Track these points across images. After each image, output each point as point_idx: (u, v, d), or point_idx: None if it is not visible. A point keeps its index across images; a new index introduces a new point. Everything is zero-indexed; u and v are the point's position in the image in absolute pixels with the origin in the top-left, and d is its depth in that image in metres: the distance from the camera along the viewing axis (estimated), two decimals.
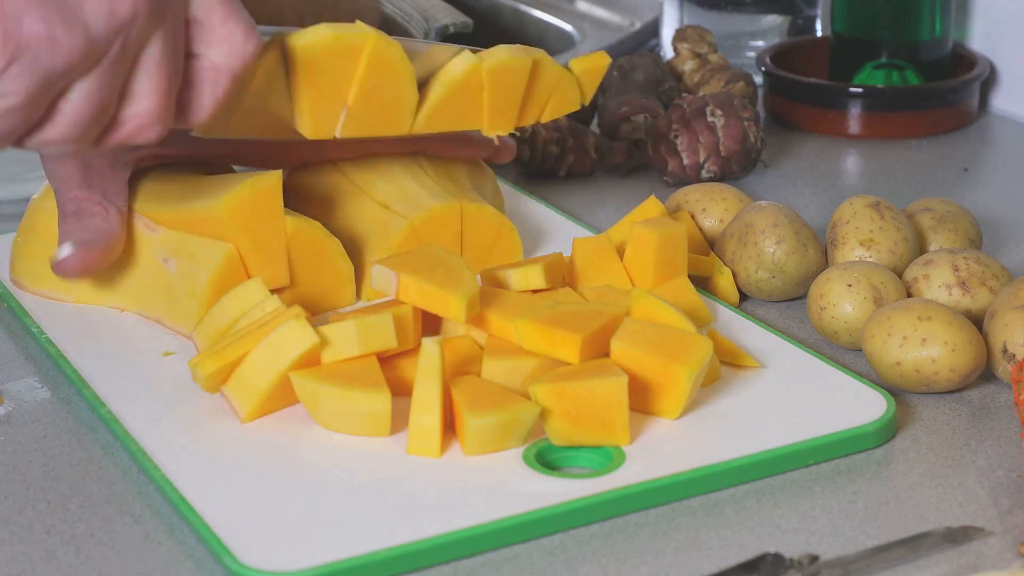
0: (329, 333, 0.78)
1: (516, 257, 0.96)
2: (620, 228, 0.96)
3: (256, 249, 0.88)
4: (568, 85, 0.94)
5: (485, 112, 0.92)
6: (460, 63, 0.90)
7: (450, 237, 0.93)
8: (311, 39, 0.85)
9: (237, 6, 0.78)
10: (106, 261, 0.90)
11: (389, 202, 0.94)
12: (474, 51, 0.92)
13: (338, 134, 0.88)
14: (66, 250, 0.88)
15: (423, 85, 0.90)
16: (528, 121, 0.94)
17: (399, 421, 0.78)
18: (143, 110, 0.76)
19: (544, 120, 0.95)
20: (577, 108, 0.96)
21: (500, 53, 0.91)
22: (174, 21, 0.76)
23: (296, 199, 0.95)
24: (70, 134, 0.75)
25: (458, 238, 0.94)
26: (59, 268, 0.89)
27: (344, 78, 0.87)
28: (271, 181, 0.88)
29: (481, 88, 0.91)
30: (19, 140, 0.75)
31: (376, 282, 0.81)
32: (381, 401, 0.77)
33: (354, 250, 0.93)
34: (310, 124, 0.87)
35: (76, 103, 0.74)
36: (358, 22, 0.88)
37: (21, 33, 0.71)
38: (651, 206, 0.96)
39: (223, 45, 0.78)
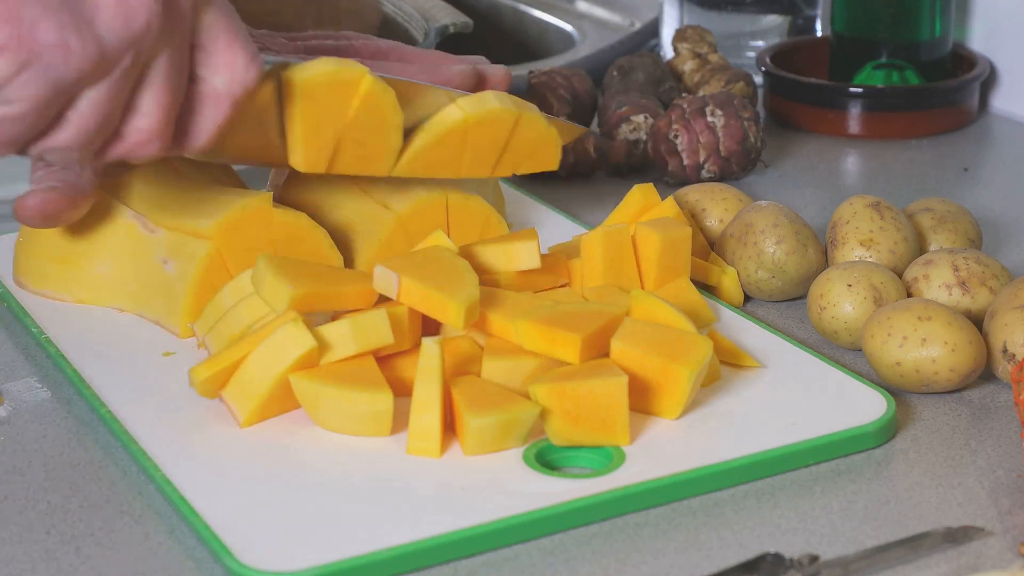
0: (325, 334, 0.78)
1: None
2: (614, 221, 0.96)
3: (246, 264, 0.88)
4: (551, 143, 0.95)
5: (464, 160, 0.92)
6: (449, 115, 0.91)
7: (437, 228, 0.93)
8: (310, 72, 0.86)
9: (242, 32, 0.78)
10: (69, 214, 0.88)
11: (375, 192, 0.94)
12: (464, 94, 0.92)
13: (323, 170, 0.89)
14: (30, 194, 0.85)
15: (410, 131, 0.91)
16: (503, 172, 0.94)
17: (399, 421, 0.78)
18: (145, 125, 0.76)
19: (519, 172, 0.95)
20: (554, 168, 0.96)
21: (489, 102, 0.92)
22: (181, 40, 0.76)
23: (284, 190, 0.95)
24: (74, 143, 0.75)
25: (445, 230, 0.94)
26: (20, 210, 0.86)
27: (339, 114, 0.87)
28: (261, 203, 0.89)
29: (465, 137, 0.91)
30: (23, 147, 0.75)
31: (378, 283, 0.81)
32: (383, 401, 0.77)
33: (342, 240, 0.93)
34: (302, 158, 0.88)
35: (83, 112, 0.74)
36: (355, 62, 0.88)
37: (35, 40, 0.71)
38: (653, 203, 0.95)
39: (226, 70, 0.78)
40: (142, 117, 0.76)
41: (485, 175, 0.94)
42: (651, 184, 0.96)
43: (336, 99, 0.87)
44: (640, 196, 0.95)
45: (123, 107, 0.76)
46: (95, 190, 0.90)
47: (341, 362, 0.78)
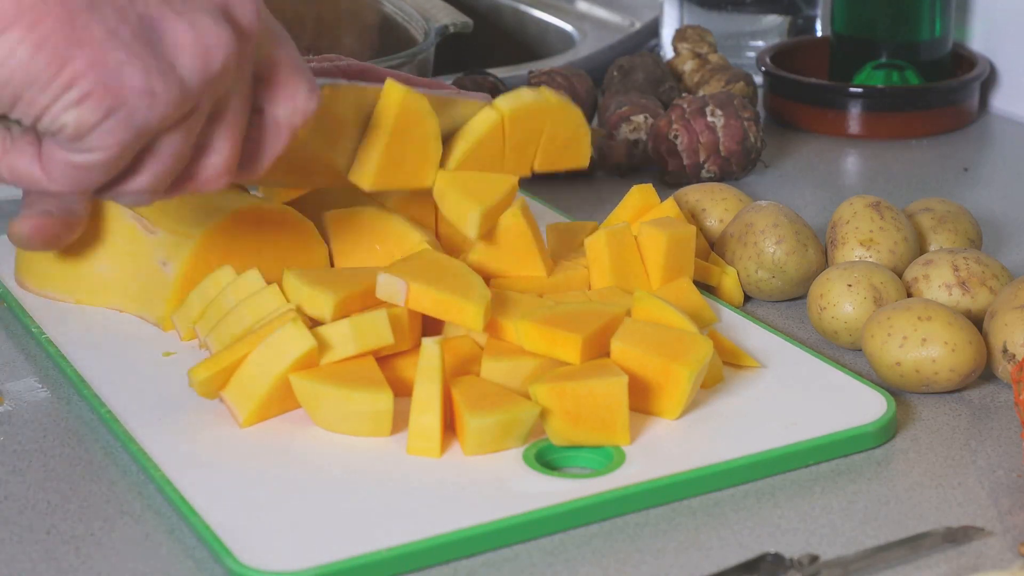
0: (325, 334, 0.78)
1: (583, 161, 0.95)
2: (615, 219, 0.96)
3: (235, 266, 0.88)
4: (583, 137, 0.94)
5: (507, 159, 0.91)
6: (486, 117, 0.90)
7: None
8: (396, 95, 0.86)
9: (301, 63, 0.78)
10: (65, 238, 0.86)
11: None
12: (492, 99, 0.92)
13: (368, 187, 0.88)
14: (24, 219, 0.84)
15: (446, 139, 0.90)
16: (542, 168, 0.93)
17: (399, 421, 0.78)
18: (217, 163, 0.76)
19: (554, 169, 0.94)
20: (585, 164, 0.95)
21: (525, 96, 0.91)
22: (250, 75, 0.76)
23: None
24: (148, 187, 0.74)
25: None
26: (15, 235, 0.84)
27: (398, 132, 0.87)
28: (249, 208, 0.89)
29: (504, 136, 0.90)
30: (97, 193, 0.74)
31: (382, 291, 0.81)
32: (383, 400, 0.77)
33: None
34: (371, 177, 0.87)
35: (160, 156, 0.73)
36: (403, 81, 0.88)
37: (122, 86, 0.69)
38: (652, 203, 0.95)
39: (287, 102, 0.77)
40: (214, 155, 0.75)
41: (526, 173, 0.93)
42: (650, 185, 0.96)
43: (406, 120, 0.87)
44: (639, 197, 0.95)
45: (195, 146, 0.75)
46: (87, 212, 0.89)
47: (341, 362, 0.78)
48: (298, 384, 0.78)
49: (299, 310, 0.81)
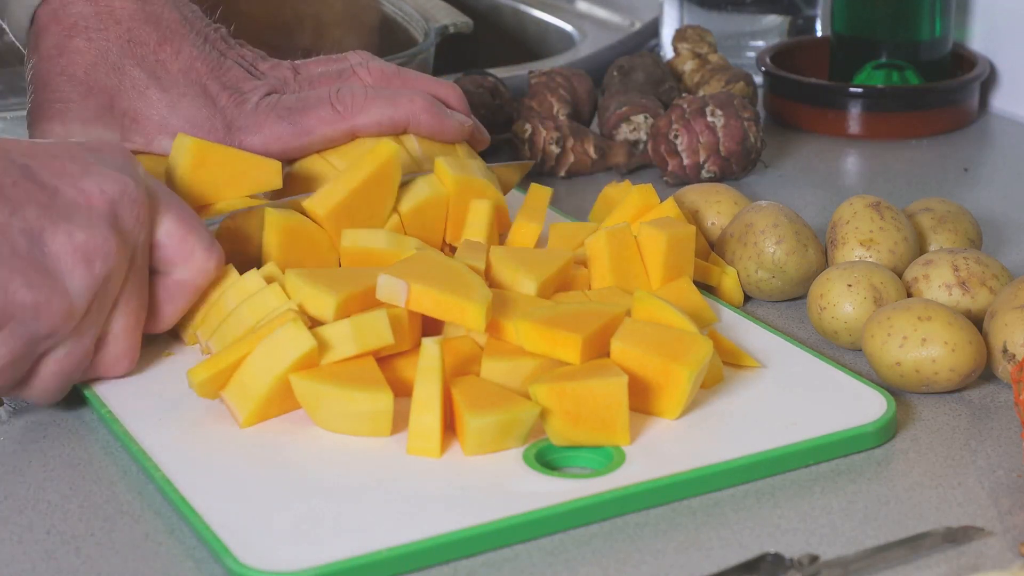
0: (325, 334, 0.78)
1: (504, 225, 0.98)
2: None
3: (238, 267, 0.88)
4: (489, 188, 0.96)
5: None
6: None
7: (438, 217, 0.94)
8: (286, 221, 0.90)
9: (195, 223, 0.82)
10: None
11: None
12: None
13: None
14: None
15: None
16: (454, 239, 0.95)
17: (399, 421, 0.78)
18: (118, 350, 0.81)
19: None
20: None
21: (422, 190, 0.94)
22: (142, 257, 0.80)
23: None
24: (52, 387, 0.79)
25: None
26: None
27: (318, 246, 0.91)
28: (252, 215, 0.90)
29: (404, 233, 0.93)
30: (4, 393, 0.79)
31: (383, 293, 0.81)
32: (383, 400, 0.77)
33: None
34: (325, 212, 0.90)
35: (58, 359, 0.78)
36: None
37: (8, 300, 0.74)
38: (652, 203, 0.95)
39: (186, 263, 0.82)
40: (114, 343, 0.81)
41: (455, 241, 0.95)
42: (650, 185, 0.96)
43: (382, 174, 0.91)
44: (639, 197, 0.95)
45: (95, 343, 0.79)
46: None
47: (341, 362, 0.78)
48: (298, 384, 0.78)
49: (301, 309, 0.81)
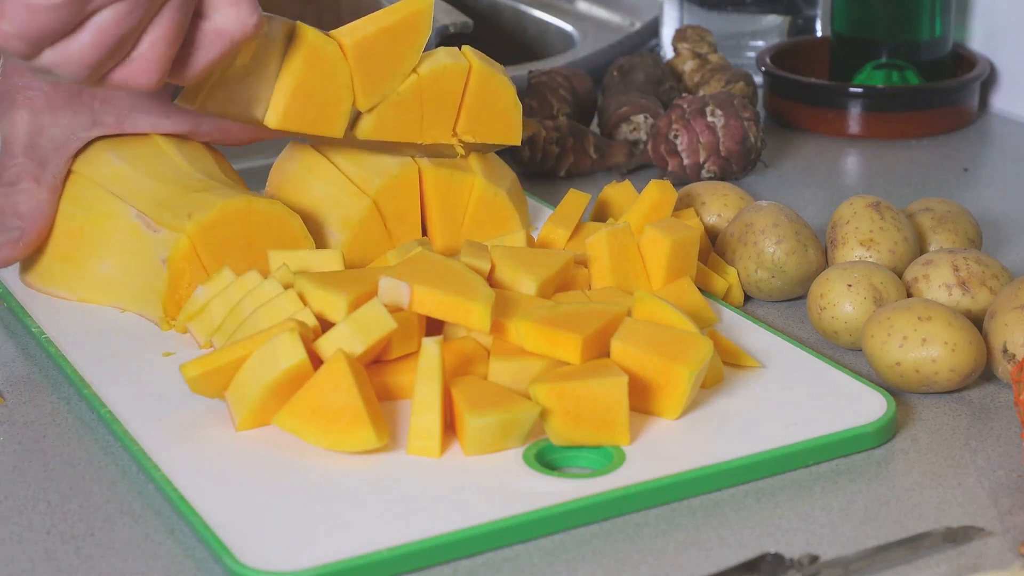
0: (328, 344, 0.78)
1: (512, 224, 0.98)
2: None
3: (224, 259, 0.88)
4: (510, 111, 0.96)
5: (424, 121, 0.94)
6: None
7: (412, 205, 0.94)
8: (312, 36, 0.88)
9: None
10: (24, 252, 0.93)
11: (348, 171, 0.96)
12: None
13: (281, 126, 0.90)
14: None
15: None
16: (465, 136, 0.95)
17: (399, 421, 0.78)
18: (151, 54, 0.79)
19: (482, 141, 0.96)
20: (517, 143, 0.97)
21: (440, 58, 0.93)
22: None
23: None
24: (88, 56, 0.77)
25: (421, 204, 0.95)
26: None
27: (335, 81, 0.90)
28: (239, 204, 0.90)
29: (421, 100, 0.93)
30: (41, 47, 0.77)
31: (384, 295, 0.81)
32: (369, 442, 0.76)
33: (313, 224, 0.94)
34: (279, 116, 0.89)
35: (105, 24, 0.77)
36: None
37: None
38: (670, 199, 0.95)
39: (229, 10, 0.81)
40: (151, 46, 0.79)
41: (447, 139, 0.95)
42: (667, 181, 0.95)
43: (317, 63, 0.89)
44: (657, 191, 0.94)
45: (137, 33, 0.78)
46: (53, 208, 0.94)
47: (324, 391, 0.76)
48: (283, 426, 0.77)
49: (318, 315, 0.80)
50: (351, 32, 0.90)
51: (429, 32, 0.92)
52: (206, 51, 0.82)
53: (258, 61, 0.88)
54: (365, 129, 0.92)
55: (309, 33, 0.89)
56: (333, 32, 0.90)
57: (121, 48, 0.78)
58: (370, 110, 0.92)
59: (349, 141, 0.94)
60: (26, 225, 0.92)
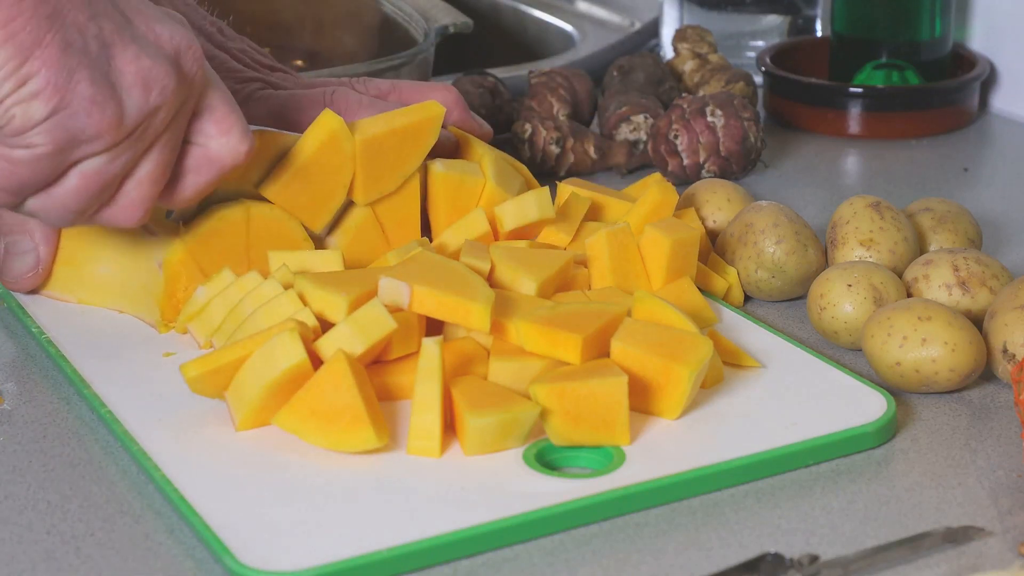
0: (327, 344, 0.78)
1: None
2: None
3: (221, 266, 0.88)
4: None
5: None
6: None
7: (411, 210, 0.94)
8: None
9: (237, 107, 0.83)
10: (44, 278, 0.93)
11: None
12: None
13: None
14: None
15: None
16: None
17: (399, 422, 0.78)
18: (136, 194, 0.80)
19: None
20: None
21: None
22: (184, 117, 0.80)
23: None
24: (72, 203, 0.78)
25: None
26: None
27: (337, 178, 0.91)
28: (236, 212, 0.90)
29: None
30: (25, 197, 0.78)
31: (384, 295, 0.81)
32: (369, 442, 0.76)
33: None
34: (277, 187, 0.90)
35: (89, 171, 0.77)
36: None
37: (70, 89, 0.74)
38: (671, 199, 0.95)
39: (221, 138, 0.82)
40: (136, 187, 0.80)
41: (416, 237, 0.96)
42: (669, 184, 0.95)
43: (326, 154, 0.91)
44: (658, 192, 0.94)
45: (123, 175, 0.79)
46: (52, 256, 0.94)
47: (324, 391, 0.76)
48: (283, 426, 0.77)
49: (315, 315, 0.80)
50: (362, 129, 0.90)
51: (436, 139, 0.92)
52: (196, 177, 0.82)
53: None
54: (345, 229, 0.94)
55: (334, 122, 0.89)
56: (349, 123, 0.91)
57: (106, 191, 0.79)
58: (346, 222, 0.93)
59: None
60: (40, 247, 0.92)
